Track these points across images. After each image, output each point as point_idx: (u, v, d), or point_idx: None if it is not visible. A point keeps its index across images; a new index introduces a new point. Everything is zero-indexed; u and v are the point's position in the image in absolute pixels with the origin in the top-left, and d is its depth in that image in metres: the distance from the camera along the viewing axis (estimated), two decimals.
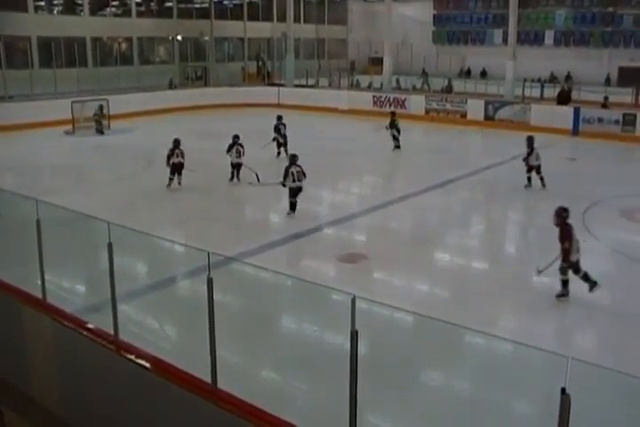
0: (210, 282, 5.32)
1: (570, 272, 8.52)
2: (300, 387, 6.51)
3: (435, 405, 6.05)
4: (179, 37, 32.91)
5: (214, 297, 5.35)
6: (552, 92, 28.42)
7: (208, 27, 34.67)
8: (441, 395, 6.29)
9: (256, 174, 14.39)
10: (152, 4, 32.89)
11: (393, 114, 20.24)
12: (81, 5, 29.70)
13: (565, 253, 8.44)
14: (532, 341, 4.75)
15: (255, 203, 14.13)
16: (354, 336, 4.51)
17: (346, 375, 4.55)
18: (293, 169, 12.25)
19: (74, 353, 6.63)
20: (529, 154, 14.64)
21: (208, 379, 5.40)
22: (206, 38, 34.56)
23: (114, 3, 31.07)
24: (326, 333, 7.47)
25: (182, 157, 14.46)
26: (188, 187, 14.78)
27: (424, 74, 35.92)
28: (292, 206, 12.44)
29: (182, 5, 34.11)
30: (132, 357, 5.92)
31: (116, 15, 31.28)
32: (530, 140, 14.76)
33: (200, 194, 14.18)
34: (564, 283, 8.54)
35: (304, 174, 12.28)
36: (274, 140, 18.33)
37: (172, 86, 30.79)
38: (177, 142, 14.60)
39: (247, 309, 8.13)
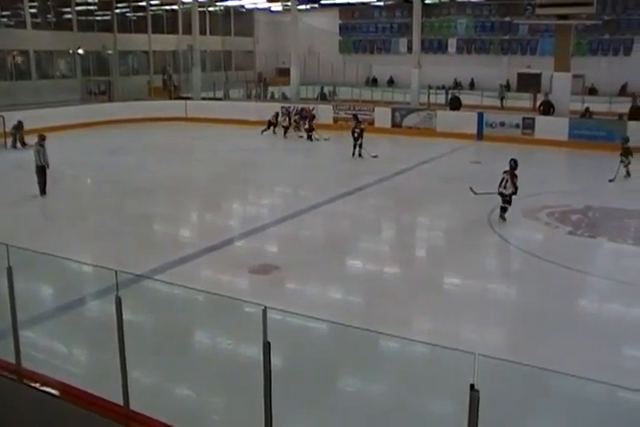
0: (118, 301, 5.18)
1: None
2: (217, 402, 6.41)
3: (353, 411, 6.09)
4: (80, 51, 31.97)
5: (125, 317, 5.21)
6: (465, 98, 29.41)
7: (111, 40, 33.92)
8: (358, 401, 6.33)
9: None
10: (49, 15, 31.77)
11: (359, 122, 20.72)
12: None
13: None
14: (445, 341, 4.87)
15: (163, 218, 13.87)
16: (266, 347, 4.49)
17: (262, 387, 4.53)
18: (505, 175, 12.63)
19: None
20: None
21: (120, 401, 5.24)
22: (109, 52, 33.77)
23: (4, 13, 29.56)
24: (240, 346, 7.39)
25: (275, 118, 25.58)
26: (94, 205, 14.37)
27: (260, 81, 37.59)
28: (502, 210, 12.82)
29: (82, 17, 33.12)
30: (37, 385, 5.65)
31: (7, 26, 29.90)
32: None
33: (107, 212, 13.78)
34: None
35: (513, 185, 12.56)
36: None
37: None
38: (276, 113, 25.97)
39: (159, 326, 7.95)
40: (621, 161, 16.54)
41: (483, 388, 3.74)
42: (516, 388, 5.91)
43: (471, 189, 13.44)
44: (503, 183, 12.67)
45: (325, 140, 23.59)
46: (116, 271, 5.18)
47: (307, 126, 24.19)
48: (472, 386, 3.76)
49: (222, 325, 7.59)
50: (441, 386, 6.11)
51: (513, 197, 12.65)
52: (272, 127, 25.67)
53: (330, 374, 6.67)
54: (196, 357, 7.26)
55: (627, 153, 16.58)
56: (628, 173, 16.54)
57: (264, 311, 4.40)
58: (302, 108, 26.84)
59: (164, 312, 7.93)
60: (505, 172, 12.72)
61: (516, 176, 12.63)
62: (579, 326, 8.20)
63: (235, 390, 6.25)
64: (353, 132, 20.09)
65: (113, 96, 31.60)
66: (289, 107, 27.32)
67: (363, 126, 20.52)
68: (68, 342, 7.67)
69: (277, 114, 26.19)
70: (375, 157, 19.76)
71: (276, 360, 4.66)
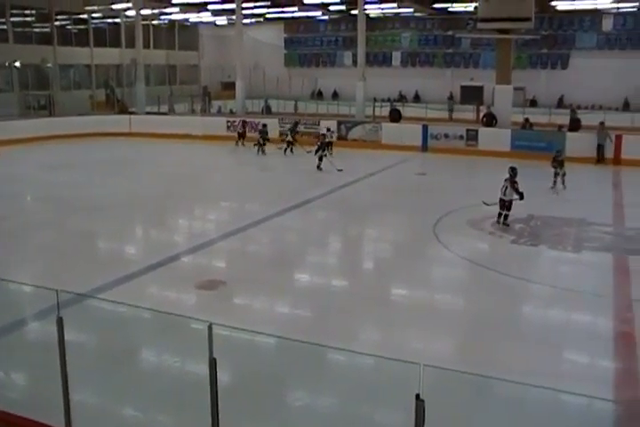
0: (60, 322, 5.06)
1: None
2: (163, 421, 6.28)
3: (302, 426, 6.05)
4: (17, 64, 31.20)
5: (67, 337, 5.09)
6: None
7: (51, 53, 33.26)
8: (307, 415, 6.28)
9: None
10: None
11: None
12: None
13: None
14: (393, 352, 4.90)
15: (107, 235, 13.56)
16: (212, 364, 4.45)
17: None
18: (506, 183, 13.19)
19: None
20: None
21: (62, 425, 5.09)
22: (49, 65, 33.09)
23: None
24: (187, 363, 7.27)
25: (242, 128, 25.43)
26: (35, 222, 14.00)
27: (205, 95, 37.07)
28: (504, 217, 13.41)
29: (19, 29, 32.30)
30: None
31: None
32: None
33: (48, 230, 13.43)
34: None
35: (516, 191, 13.08)
36: None
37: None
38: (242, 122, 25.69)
39: (103, 346, 7.75)
40: (556, 173, 17.10)
41: (428, 397, 3.78)
42: (463, 396, 5.97)
43: (484, 202, 13.85)
44: (503, 190, 13.25)
45: (308, 152, 21.89)
46: (57, 291, 5.07)
47: (289, 138, 23.47)
48: (417, 396, 3.80)
49: (168, 342, 7.45)
50: (389, 397, 6.13)
51: (520, 201, 13.24)
52: (241, 139, 25.25)
53: (278, 389, 6.62)
54: (142, 376, 7.10)
55: (561, 165, 17.17)
56: (564, 184, 17.08)
57: (209, 328, 4.36)
58: (294, 123, 25.11)
59: (108, 332, 7.74)
60: (506, 179, 13.30)
61: (516, 183, 13.19)
62: (523, 332, 8.37)
63: (182, 407, 6.13)
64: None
65: (54, 111, 30.88)
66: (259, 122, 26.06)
67: (327, 140, 20.84)
68: (6, 367, 7.39)
69: (244, 124, 25.63)
70: (340, 170, 19.60)
71: (223, 376, 4.61)
